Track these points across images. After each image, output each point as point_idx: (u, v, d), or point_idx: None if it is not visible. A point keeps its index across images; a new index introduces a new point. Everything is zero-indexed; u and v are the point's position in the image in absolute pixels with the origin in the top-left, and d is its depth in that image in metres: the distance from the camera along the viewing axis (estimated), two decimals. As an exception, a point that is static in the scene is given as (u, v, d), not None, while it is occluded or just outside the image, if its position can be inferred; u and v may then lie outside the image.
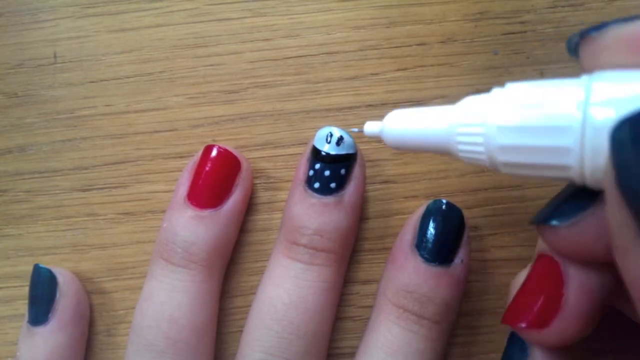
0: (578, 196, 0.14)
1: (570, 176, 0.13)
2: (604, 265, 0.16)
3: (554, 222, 0.16)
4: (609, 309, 0.18)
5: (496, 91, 0.15)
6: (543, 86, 0.14)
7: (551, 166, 0.13)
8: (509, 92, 0.15)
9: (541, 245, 0.18)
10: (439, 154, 0.17)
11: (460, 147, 0.16)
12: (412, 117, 0.17)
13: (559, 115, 0.13)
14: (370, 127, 0.19)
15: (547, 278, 0.17)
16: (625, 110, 0.12)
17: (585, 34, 0.14)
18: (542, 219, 0.16)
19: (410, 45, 0.24)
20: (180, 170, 0.24)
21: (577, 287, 0.17)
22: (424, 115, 0.17)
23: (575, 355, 0.22)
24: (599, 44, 0.14)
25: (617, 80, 0.12)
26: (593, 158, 0.12)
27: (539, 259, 0.18)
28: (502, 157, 0.14)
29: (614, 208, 0.12)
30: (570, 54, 0.15)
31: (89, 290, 0.24)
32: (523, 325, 0.18)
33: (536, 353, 0.18)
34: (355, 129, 0.20)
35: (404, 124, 0.17)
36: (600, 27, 0.14)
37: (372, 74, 0.24)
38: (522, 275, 0.19)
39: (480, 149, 0.15)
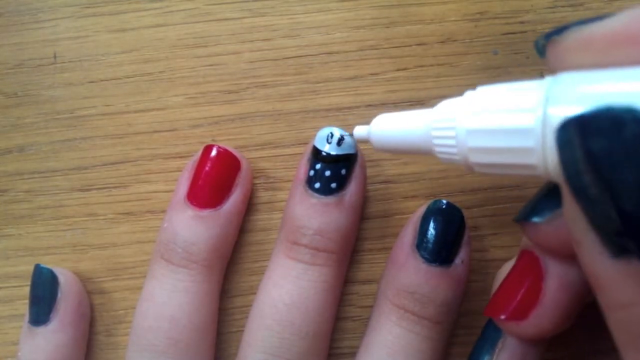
0: (553, 193, 0.15)
1: (538, 174, 0.14)
2: None
3: (534, 219, 0.17)
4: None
5: (468, 94, 0.16)
6: (510, 89, 0.15)
7: (519, 165, 0.14)
8: (478, 95, 0.15)
9: (525, 242, 0.19)
10: (423, 155, 0.18)
11: (437, 149, 0.16)
12: (396, 121, 0.18)
13: (521, 116, 0.14)
14: (359, 130, 0.20)
15: (527, 272, 0.18)
16: (578, 110, 0.12)
17: (549, 37, 0.15)
18: (524, 217, 0.17)
19: (409, 45, 0.24)
20: (180, 170, 0.24)
21: (556, 281, 0.17)
22: (405, 118, 0.18)
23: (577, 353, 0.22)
24: (561, 46, 0.14)
25: (575, 81, 0.13)
26: (553, 157, 0.13)
27: (521, 254, 0.19)
28: (474, 158, 0.15)
29: (567, 203, 0.13)
30: (540, 56, 0.16)
31: (89, 290, 0.24)
32: (503, 316, 0.18)
33: (509, 343, 0.19)
34: (346, 133, 0.21)
35: (388, 127, 0.18)
36: (561, 29, 0.14)
37: (371, 74, 0.24)
38: (505, 269, 0.20)
39: (454, 150, 0.16)
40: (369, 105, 0.24)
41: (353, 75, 0.24)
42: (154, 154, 0.24)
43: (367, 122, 0.23)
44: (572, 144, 0.12)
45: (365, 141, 0.20)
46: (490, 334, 0.20)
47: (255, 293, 0.22)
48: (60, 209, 0.25)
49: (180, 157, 0.24)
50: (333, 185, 0.21)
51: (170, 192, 0.23)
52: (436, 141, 0.16)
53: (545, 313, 0.18)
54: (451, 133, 0.16)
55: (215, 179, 0.22)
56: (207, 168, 0.22)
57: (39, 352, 0.22)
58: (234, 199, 0.22)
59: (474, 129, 0.15)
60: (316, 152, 0.21)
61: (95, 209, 0.24)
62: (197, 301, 0.21)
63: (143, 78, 0.25)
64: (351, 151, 0.21)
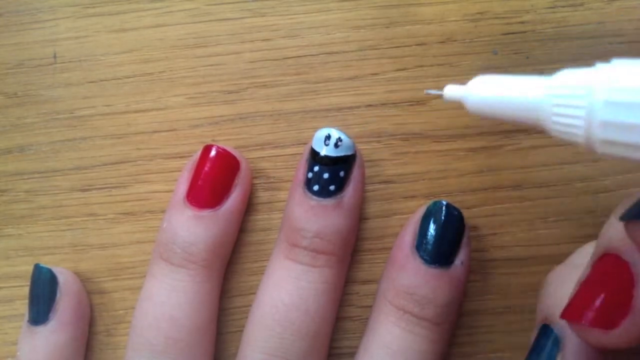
0: None
1: None
2: None
3: None
4: None
5: (600, 66, 0.14)
6: None
7: None
8: (617, 67, 0.14)
9: (604, 244, 0.17)
10: (524, 125, 0.16)
11: (555, 119, 0.15)
12: (500, 85, 0.16)
13: None
14: (452, 91, 0.18)
15: (612, 277, 0.16)
16: None
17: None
18: (633, 215, 0.15)
19: (409, 46, 0.24)
20: (180, 170, 0.24)
21: None
22: (516, 83, 0.16)
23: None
24: None
25: None
26: None
27: (603, 257, 0.17)
28: (603, 135, 0.14)
29: None
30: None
31: (89, 290, 0.24)
32: (587, 322, 0.16)
33: (569, 347, 0.18)
34: (432, 91, 0.19)
35: (493, 91, 0.16)
36: None
37: (371, 74, 0.24)
38: (556, 272, 0.19)
39: (579, 122, 0.14)
40: (369, 105, 0.24)
41: (353, 75, 0.24)
42: (154, 154, 0.24)
43: (367, 122, 0.24)
44: None
45: (456, 102, 0.18)
46: (544, 349, 0.18)
47: (255, 293, 0.22)
48: (60, 209, 0.25)
49: (180, 157, 0.24)
50: (331, 187, 0.21)
51: (170, 192, 0.23)
52: (557, 110, 0.15)
53: (638, 322, 0.16)
54: (581, 103, 0.14)
55: (215, 179, 0.22)
56: (206, 168, 0.22)
57: (38, 351, 0.22)
58: (234, 199, 0.22)
59: (615, 100, 0.13)
60: (314, 154, 0.21)
61: (95, 209, 0.24)
62: (197, 301, 0.21)
63: (143, 78, 0.25)
64: (349, 152, 0.21)
